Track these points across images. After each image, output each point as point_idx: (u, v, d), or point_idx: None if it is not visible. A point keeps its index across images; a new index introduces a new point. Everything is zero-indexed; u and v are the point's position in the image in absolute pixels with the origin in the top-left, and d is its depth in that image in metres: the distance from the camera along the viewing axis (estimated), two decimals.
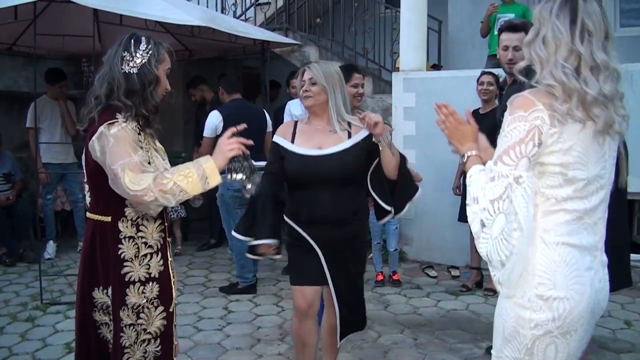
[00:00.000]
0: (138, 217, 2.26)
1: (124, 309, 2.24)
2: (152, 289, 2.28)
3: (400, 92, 6.12)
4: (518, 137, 1.65)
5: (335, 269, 2.93)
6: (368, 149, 2.90)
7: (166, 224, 2.38)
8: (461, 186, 5.13)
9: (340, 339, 3.08)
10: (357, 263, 3.07)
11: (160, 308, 2.30)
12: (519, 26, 3.37)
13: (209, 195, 4.41)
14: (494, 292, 4.81)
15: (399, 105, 6.12)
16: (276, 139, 3.01)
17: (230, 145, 2.24)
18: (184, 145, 7.89)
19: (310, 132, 2.94)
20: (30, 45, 5.04)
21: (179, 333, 2.89)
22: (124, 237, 2.25)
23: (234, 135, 2.28)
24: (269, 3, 8.03)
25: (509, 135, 1.66)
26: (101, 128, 2.16)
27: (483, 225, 1.66)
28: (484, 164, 1.80)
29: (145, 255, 2.27)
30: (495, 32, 5.63)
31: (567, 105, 1.63)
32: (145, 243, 2.28)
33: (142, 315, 2.26)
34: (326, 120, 2.94)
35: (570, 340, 1.71)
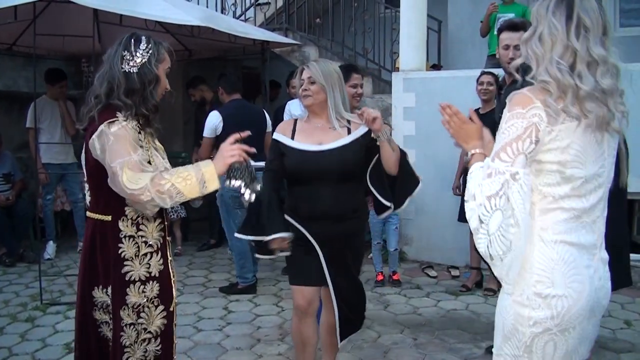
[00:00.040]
0: (138, 216, 2.26)
1: (124, 309, 2.24)
2: (153, 288, 2.28)
3: (400, 92, 6.12)
4: (515, 134, 1.66)
5: (335, 267, 2.94)
6: (367, 145, 2.91)
7: (166, 223, 2.38)
8: (461, 186, 5.13)
9: (341, 340, 3.07)
10: (355, 261, 3.07)
11: (161, 307, 2.30)
12: (519, 25, 3.37)
13: (209, 196, 4.41)
14: (494, 292, 4.82)
15: (399, 105, 6.12)
16: (276, 136, 3.01)
17: (232, 152, 2.22)
18: (184, 145, 7.89)
19: (310, 130, 2.96)
20: (30, 45, 5.04)
21: (179, 333, 2.89)
22: (124, 236, 2.25)
23: (237, 141, 2.26)
24: (268, 3, 8.03)
25: (507, 132, 1.68)
26: (101, 126, 2.16)
27: (481, 221, 1.68)
28: None
29: (146, 254, 2.27)
30: (495, 32, 5.63)
31: (562, 101, 1.64)
32: (146, 242, 2.28)
33: (142, 314, 2.26)
34: (325, 118, 2.95)
35: (568, 337, 1.72)
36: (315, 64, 2.95)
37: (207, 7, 7.45)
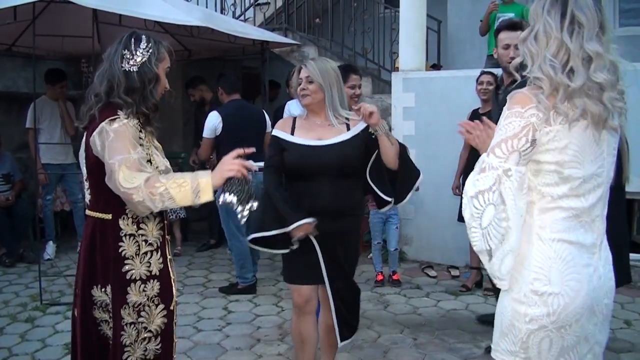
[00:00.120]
0: (139, 215, 2.26)
1: (124, 307, 2.24)
2: (153, 287, 2.28)
3: (399, 92, 6.12)
4: (512, 131, 1.68)
5: (332, 265, 2.94)
6: (367, 141, 2.92)
7: (165, 221, 2.38)
8: (461, 186, 5.13)
9: (341, 340, 3.07)
10: (351, 260, 3.08)
11: (161, 306, 2.30)
12: (518, 24, 3.38)
13: None
14: (494, 292, 4.82)
15: (399, 105, 6.12)
16: (275, 132, 3.01)
17: (231, 166, 2.19)
18: (183, 145, 7.89)
19: (310, 126, 2.96)
20: (30, 45, 5.03)
21: (179, 333, 2.89)
22: (125, 235, 2.25)
23: (240, 156, 2.22)
24: (268, 3, 8.03)
25: (504, 129, 1.70)
26: (102, 123, 2.16)
27: (473, 215, 1.71)
28: None
29: (146, 252, 2.27)
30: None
31: (553, 99, 1.66)
32: (146, 241, 2.28)
33: (142, 313, 2.26)
34: (324, 116, 2.96)
35: (564, 334, 1.73)
36: (313, 62, 2.96)
37: (206, 7, 7.46)
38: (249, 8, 8.02)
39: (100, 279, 2.28)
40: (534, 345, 1.74)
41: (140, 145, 2.21)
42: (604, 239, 1.82)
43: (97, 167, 2.21)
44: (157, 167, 2.30)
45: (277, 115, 5.87)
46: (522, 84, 1.79)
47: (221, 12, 7.79)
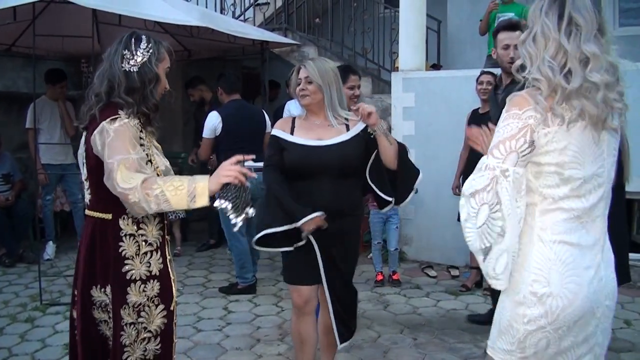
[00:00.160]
0: None
1: (124, 308, 2.24)
2: (153, 287, 2.27)
3: (399, 92, 6.12)
4: (510, 133, 1.70)
5: (331, 265, 2.94)
6: (366, 141, 2.91)
7: (165, 222, 2.38)
8: (460, 186, 5.13)
9: (340, 342, 3.07)
10: (350, 260, 3.08)
11: (161, 306, 2.30)
12: (517, 24, 3.38)
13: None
14: (491, 292, 4.82)
15: (398, 105, 6.12)
16: (275, 132, 3.00)
17: (229, 172, 2.16)
18: (183, 145, 7.89)
19: (309, 126, 2.96)
20: (30, 46, 5.03)
21: (179, 333, 2.88)
22: (125, 235, 2.24)
23: (239, 162, 2.20)
24: (268, 3, 8.03)
25: (502, 131, 1.72)
26: (103, 123, 2.16)
27: (468, 214, 1.72)
28: None
29: (146, 253, 2.27)
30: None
31: (552, 100, 1.67)
32: (146, 241, 2.28)
33: (142, 313, 2.26)
34: (323, 116, 2.96)
35: (562, 335, 1.74)
36: (312, 62, 2.95)
37: (206, 7, 7.46)
38: (248, 8, 8.02)
39: (99, 279, 2.28)
40: (531, 346, 1.75)
41: (141, 145, 2.21)
42: (607, 240, 1.82)
43: (97, 167, 2.21)
44: (157, 168, 2.30)
45: (277, 115, 5.87)
46: (519, 87, 1.80)
47: (221, 12, 7.79)
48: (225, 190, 2.15)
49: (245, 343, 4.03)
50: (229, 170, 2.16)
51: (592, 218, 1.76)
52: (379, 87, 7.36)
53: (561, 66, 1.67)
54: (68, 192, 6.48)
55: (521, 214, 1.71)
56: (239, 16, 7.89)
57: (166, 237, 2.37)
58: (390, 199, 3.00)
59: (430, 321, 4.42)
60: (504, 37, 3.46)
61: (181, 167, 6.82)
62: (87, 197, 2.36)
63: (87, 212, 2.36)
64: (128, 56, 2.23)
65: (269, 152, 3.00)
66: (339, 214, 2.88)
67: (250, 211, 2.20)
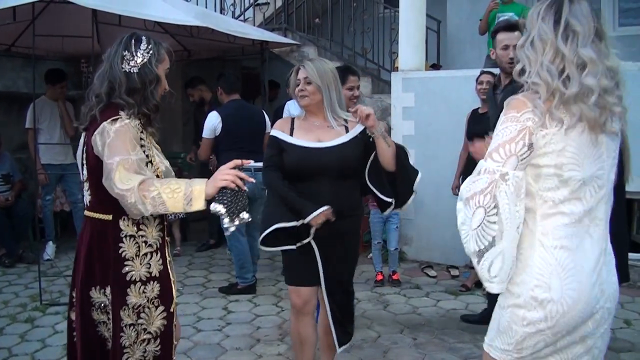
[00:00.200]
0: None
1: (124, 309, 2.23)
2: (153, 289, 2.27)
3: (399, 92, 6.12)
4: (509, 136, 1.70)
5: (330, 266, 2.94)
6: (365, 142, 2.92)
7: (165, 223, 2.37)
8: (460, 186, 5.12)
9: (339, 346, 3.07)
10: (352, 259, 3.08)
11: (161, 308, 2.30)
12: (515, 25, 3.38)
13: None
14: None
15: (398, 105, 6.12)
16: (274, 132, 3.00)
17: (226, 176, 2.15)
18: (183, 146, 7.89)
19: (309, 127, 2.96)
20: (29, 46, 5.03)
21: None
22: (125, 236, 2.24)
23: (238, 167, 2.18)
24: (267, 3, 8.03)
25: (500, 134, 1.72)
26: (104, 123, 2.16)
27: (465, 217, 1.73)
28: None
29: (146, 254, 2.27)
30: None
31: (550, 103, 1.68)
32: (146, 242, 2.27)
33: (142, 315, 2.25)
34: (322, 117, 2.96)
35: (560, 337, 1.75)
36: (311, 63, 2.95)
37: (206, 7, 7.45)
38: (248, 8, 8.02)
39: (99, 280, 2.27)
40: (529, 347, 1.77)
41: (142, 146, 2.21)
42: (608, 243, 1.83)
43: (97, 168, 2.21)
44: (157, 169, 2.30)
45: (276, 115, 5.85)
46: (518, 87, 1.80)
47: (220, 12, 7.79)
48: (221, 194, 2.15)
49: (245, 343, 4.03)
50: (226, 174, 2.15)
51: (593, 221, 1.76)
52: (378, 87, 7.36)
53: (559, 71, 1.68)
54: (68, 192, 6.48)
55: (520, 218, 1.71)
56: (239, 16, 7.89)
57: (166, 238, 2.37)
58: (390, 200, 2.99)
59: (430, 321, 4.42)
60: (502, 37, 3.46)
61: (181, 168, 6.82)
62: (87, 198, 2.36)
63: (86, 213, 2.36)
64: (128, 57, 2.23)
65: (269, 153, 2.99)
66: (339, 215, 2.87)
67: (246, 216, 2.19)
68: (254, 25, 7.62)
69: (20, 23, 5.12)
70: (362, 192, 3.09)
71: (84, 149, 2.31)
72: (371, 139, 2.90)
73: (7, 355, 3.86)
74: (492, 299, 1.92)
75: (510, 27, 3.43)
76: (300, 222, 2.81)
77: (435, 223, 5.89)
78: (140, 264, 2.25)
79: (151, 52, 2.25)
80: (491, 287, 1.76)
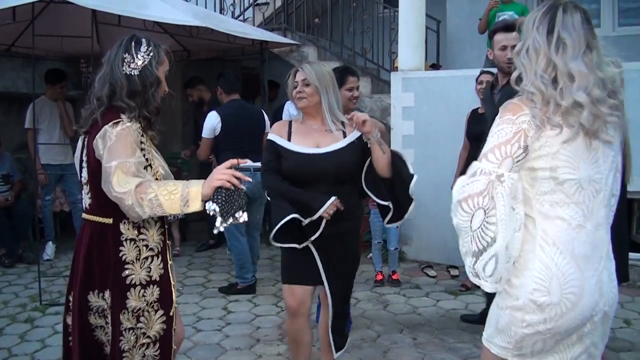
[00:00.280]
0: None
1: (124, 313, 2.23)
2: (153, 293, 2.27)
3: (399, 91, 6.12)
4: (505, 137, 1.72)
5: (330, 267, 2.94)
6: (362, 148, 2.91)
7: (166, 226, 2.37)
8: None
9: (336, 351, 3.08)
10: (352, 259, 3.07)
11: (160, 312, 2.29)
12: (513, 26, 3.38)
13: None
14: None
15: (398, 105, 6.12)
16: (272, 137, 3.00)
17: (221, 175, 2.15)
18: (182, 146, 7.88)
19: (306, 131, 2.95)
20: (29, 46, 5.03)
21: None
22: (126, 239, 2.24)
23: (235, 167, 2.18)
24: (267, 3, 8.02)
25: (496, 136, 1.74)
26: (106, 126, 2.16)
27: (462, 218, 1.73)
28: None
29: (147, 257, 2.26)
30: None
31: (545, 109, 1.70)
32: (147, 246, 2.27)
33: (142, 319, 2.25)
34: (320, 120, 2.95)
35: (559, 338, 1.78)
36: (309, 65, 2.95)
37: (205, 7, 7.45)
38: (248, 8, 8.02)
39: (98, 284, 2.27)
40: (527, 346, 1.80)
41: (142, 149, 2.21)
42: (609, 247, 1.83)
43: (98, 171, 2.20)
44: (157, 172, 2.30)
45: (276, 116, 5.88)
46: (514, 90, 1.82)
47: (220, 12, 7.79)
48: (217, 193, 2.14)
49: (245, 343, 4.03)
50: (222, 173, 2.15)
51: (594, 226, 1.77)
52: (378, 87, 7.35)
53: (552, 79, 1.70)
54: (67, 192, 6.48)
55: (520, 221, 1.73)
56: (239, 16, 7.89)
57: (167, 242, 2.37)
58: (386, 203, 2.97)
59: (430, 321, 4.42)
60: (500, 38, 3.46)
61: (180, 168, 6.82)
62: (86, 201, 2.36)
63: (85, 216, 2.36)
64: (128, 59, 2.23)
65: (267, 157, 2.98)
66: (337, 219, 2.87)
67: (244, 216, 2.19)
68: (254, 25, 7.62)
69: (20, 23, 5.12)
70: (361, 195, 3.08)
71: (85, 152, 2.31)
72: (368, 147, 2.89)
73: (7, 355, 3.86)
74: (491, 298, 1.93)
75: (508, 27, 3.43)
76: (315, 216, 2.80)
77: (435, 223, 5.88)
78: (141, 268, 2.25)
79: (151, 54, 2.25)
80: (485, 286, 1.78)
